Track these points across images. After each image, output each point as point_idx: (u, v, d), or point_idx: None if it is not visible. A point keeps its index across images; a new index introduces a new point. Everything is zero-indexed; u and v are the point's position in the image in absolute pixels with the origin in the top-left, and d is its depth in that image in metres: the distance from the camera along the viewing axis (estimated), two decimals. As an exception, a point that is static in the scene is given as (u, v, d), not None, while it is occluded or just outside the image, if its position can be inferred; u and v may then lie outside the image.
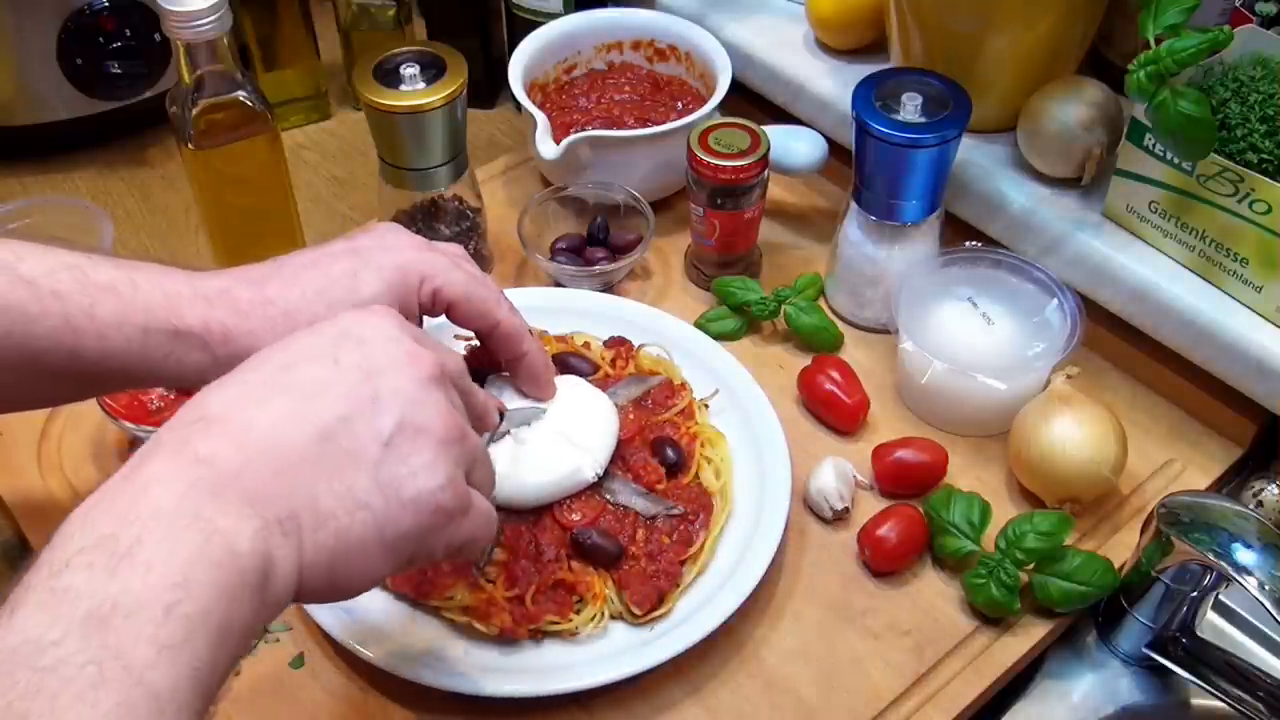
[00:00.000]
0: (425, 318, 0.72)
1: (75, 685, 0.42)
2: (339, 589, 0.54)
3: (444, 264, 0.71)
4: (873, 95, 0.87)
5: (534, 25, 1.08)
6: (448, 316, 0.72)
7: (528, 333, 0.75)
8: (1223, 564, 0.66)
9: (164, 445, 0.50)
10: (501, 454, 0.77)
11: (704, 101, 1.04)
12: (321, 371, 0.54)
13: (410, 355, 0.56)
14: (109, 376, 0.66)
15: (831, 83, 1.03)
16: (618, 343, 0.89)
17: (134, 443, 0.86)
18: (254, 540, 0.48)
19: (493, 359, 0.77)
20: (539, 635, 0.74)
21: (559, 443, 0.77)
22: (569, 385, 0.82)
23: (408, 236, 0.72)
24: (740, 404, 0.86)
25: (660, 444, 0.81)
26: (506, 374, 0.78)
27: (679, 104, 1.07)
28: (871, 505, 0.82)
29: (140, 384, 0.69)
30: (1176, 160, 0.83)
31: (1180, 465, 0.87)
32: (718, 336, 0.93)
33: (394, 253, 0.70)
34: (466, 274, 0.71)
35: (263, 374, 0.54)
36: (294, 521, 0.50)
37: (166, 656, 0.44)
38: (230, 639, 0.47)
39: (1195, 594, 0.73)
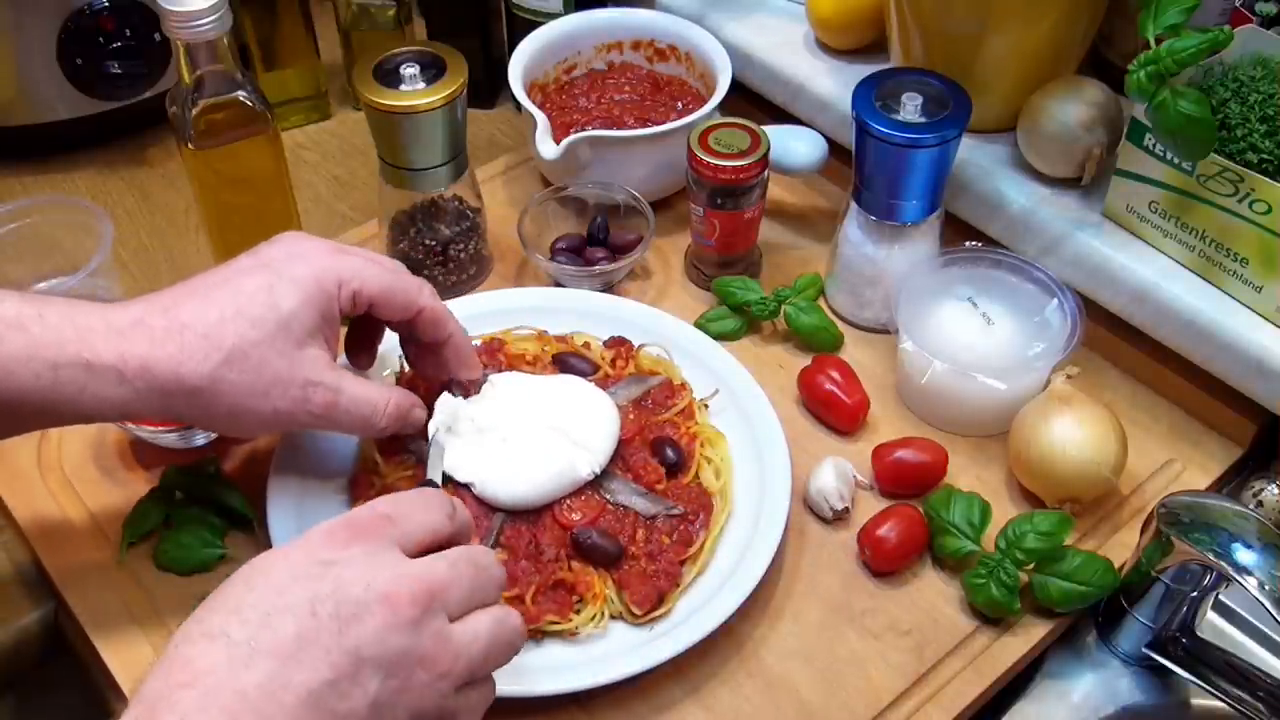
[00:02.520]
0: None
1: None
2: None
3: (358, 264, 0.70)
4: (873, 95, 0.87)
5: (534, 25, 1.08)
6: (370, 313, 0.72)
7: (450, 315, 0.75)
8: (1223, 564, 0.66)
9: (158, 715, 0.50)
10: (499, 453, 0.77)
11: (704, 101, 1.04)
12: (301, 625, 0.52)
13: (389, 598, 0.54)
14: (22, 414, 0.65)
15: (831, 83, 1.03)
16: (618, 343, 0.89)
17: (134, 443, 0.86)
18: None
19: (419, 347, 0.77)
20: (539, 635, 0.74)
21: (557, 440, 0.77)
22: (569, 385, 0.83)
23: (315, 242, 0.71)
24: (740, 404, 0.86)
25: (660, 444, 0.81)
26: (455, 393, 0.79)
27: (679, 104, 1.07)
28: (871, 505, 0.82)
29: (61, 421, 0.67)
30: (1176, 160, 0.83)
31: (1180, 465, 0.87)
32: (718, 336, 0.93)
33: (306, 261, 0.69)
34: (382, 269, 0.71)
35: (244, 630, 0.52)
36: None
37: None
38: None
39: (1195, 594, 0.73)
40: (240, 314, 0.66)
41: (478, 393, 0.80)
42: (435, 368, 0.78)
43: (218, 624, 0.53)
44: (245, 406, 0.67)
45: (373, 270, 0.71)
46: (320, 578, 0.54)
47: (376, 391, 0.72)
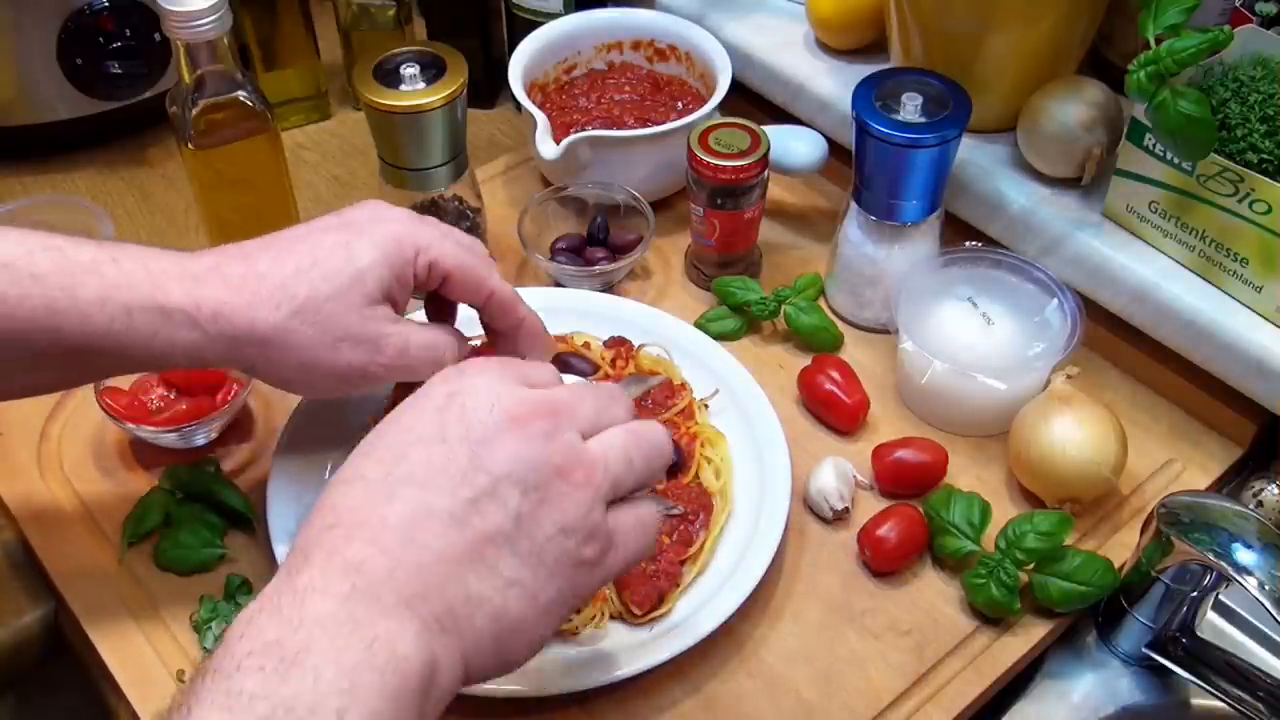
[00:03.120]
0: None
1: None
2: (507, 665, 0.55)
3: (436, 235, 0.71)
4: (873, 95, 0.87)
5: (534, 25, 1.08)
6: (441, 290, 0.72)
7: (520, 299, 0.74)
8: (1223, 564, 0.66)
9: (311, 555, 0.51)
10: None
11: (704, 101, 1.04)
12: (433, 454, 0.53)
13: (515, 417, 0.54)
14: (97, 359, 0.65)
15: (831, 83, 1.03)
16: (618, 343, 0.89)
17: (134, 443, 0.86)
18: (415, 643, 0.49)
19: (491, 334, 0.76)
20: (539, 635, 0.74)
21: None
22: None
23: (397, 209, 0.72)
24: (740, 404, 0.86)
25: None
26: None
27: (679, 104, 1.07)
28: (871, 505, 0.82)
29: (133, 366, 0.69)
30: (1176, 160, 0.83)
31: (1180, 465, 0.87)
32: (718, 336, 0.93)
33: (386, 224, 0.70)
34: (458, 245, 0.71)
35: (380, 468, 0.54)
36: (450, 615, 0.51)
37: None
38: None
39: (1195, 594, 0.73)
40: (316, 266, 0.67)
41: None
42: (511, 353, 0.77)
43: (353, 470, 0.55)
44: (315, 359, 0.67)
45: (450, 244, 0.71)
46: (445, 409, 0.55)
47: (441, 335, 0.72)
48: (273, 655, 0.47)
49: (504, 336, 0.75)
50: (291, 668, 0.46)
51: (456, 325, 0.76)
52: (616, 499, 0.57)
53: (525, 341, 0.75)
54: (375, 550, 0.51)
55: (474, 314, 0.80)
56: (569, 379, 0.82)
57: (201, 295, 0.65)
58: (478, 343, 0.85)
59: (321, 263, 0.67)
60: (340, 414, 0.84)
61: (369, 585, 0.50)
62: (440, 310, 0.77)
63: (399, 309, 0.70)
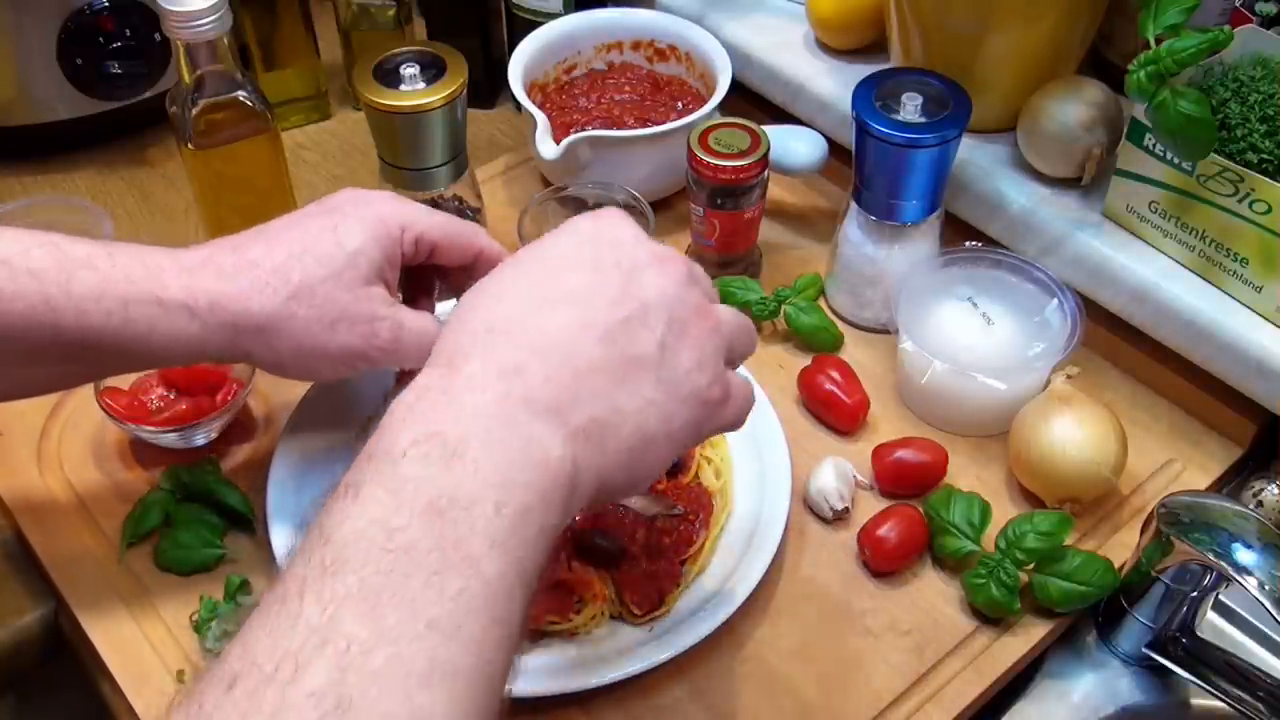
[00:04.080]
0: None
1: (423, 570, 0.45)
2: (634, 483, 0.57)
3: (420, 210, 0.72)
4: (873, 95, 0.87)
5: (534, 25, 1.08)
6: (432, 258, 0.73)
7: (507, 253, 0.76)
8: (1223, 564, 0.66)
9: (470, 353, 0.53)
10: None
11: (704, 101, 1.04)
12: (588, 277, 0.56)
13: (659, 255, 0.58)
14: (96, 355, 0.66)
15: (831, 83, 1.03)
16: (618, 343, 0.89)
17: (134, 443, 0.86)
18: (564, 448, 0.51)
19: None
20: (539, 635, 0.74)
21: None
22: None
23: (379, 191, 0.73)
24: (740, 404, 0.86)
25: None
26: None
27: (679, 104, 1.07)
28: (871, 505, 0.82)
29: (133, 362, 0.69)
30: (1176, 160, 0.83)
31: (1180, 465, 0.87)
32: (718, 336, 0.92)
33: (370, 205, 0.71)
34: (441, 214, 0.73)
35: (536, 288, 0.56)
36: (596, 425, 0.53)
37: (497, 551, 0.47)
38: (544, 538, 0.50)
39: (1195, 594, 0.73)
40: (307, 251, 0.68)
41: None
42: None
43: (504, 286, 0.57)
44: (312, 342, 0.68)
45: (436, 217, 0.72)
46: (595, 240, 0.58)
47: (432, 323, 0.73)
48: (435, 444, 0.48)
49: None
50: (453, 458, 0.48)
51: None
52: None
53: None
54: (533, 356, 0.53)
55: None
56: None
57: (197, 286, 0.66)
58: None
59: (312, 247, 0.68)
60: (340, 413, 0.84)
61: (525, 389, 0.52)
62: (418, 289, 0.78)
63: (391, 289, 0.71)
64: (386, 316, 0.69)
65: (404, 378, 0.83)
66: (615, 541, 0.75)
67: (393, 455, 0.48)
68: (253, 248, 0.68)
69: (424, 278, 0.77)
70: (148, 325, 0.65)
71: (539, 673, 0.72)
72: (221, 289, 0.66)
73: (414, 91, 0.87)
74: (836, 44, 1.06)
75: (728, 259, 0.98)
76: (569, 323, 0.54)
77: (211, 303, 0.66)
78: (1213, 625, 0.81)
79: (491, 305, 0.56)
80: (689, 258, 0.64)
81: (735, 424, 0.61)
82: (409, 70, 0.88)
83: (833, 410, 0.88)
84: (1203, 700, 0.77)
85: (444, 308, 0.80)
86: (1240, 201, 0.80)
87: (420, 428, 0.49)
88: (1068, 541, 0.77)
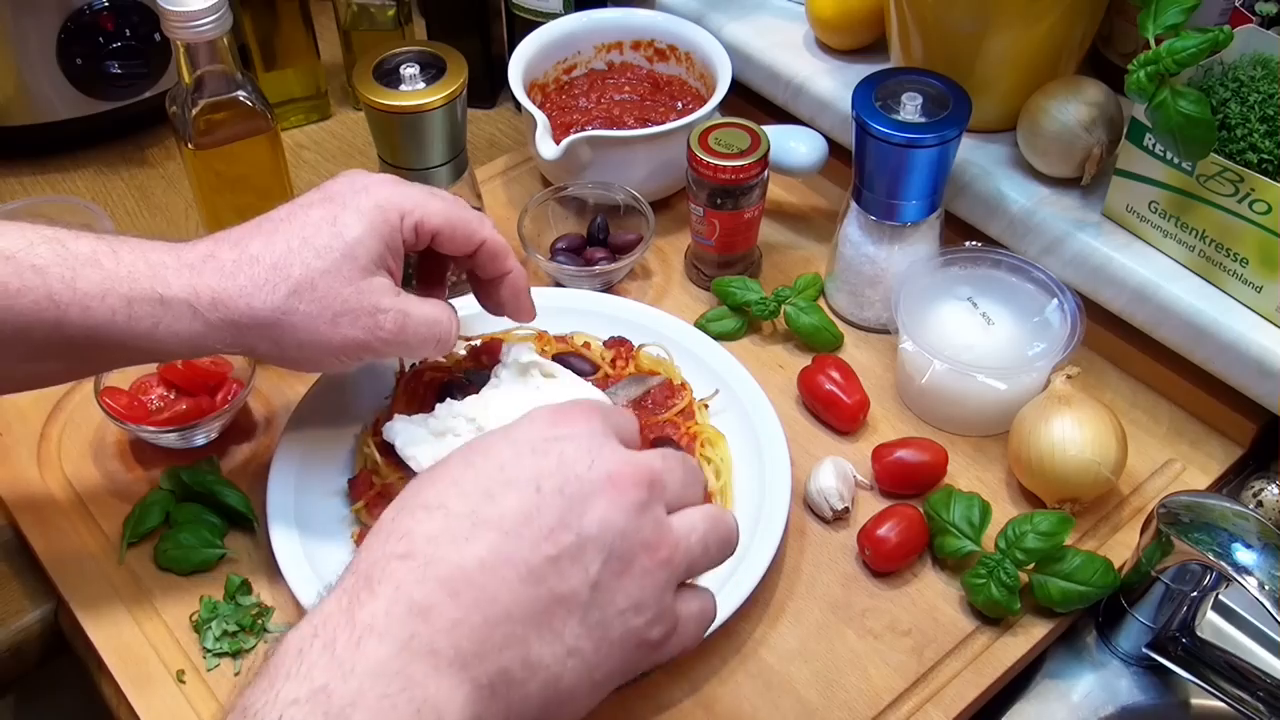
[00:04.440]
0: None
1: None
2: None
3: (420, 196, 0.71)
4: (873, 95, 0.87)
5: (534, 25, 1.08)
6: (433, 246, 0.72)
7: (511, 251, 0.76)
8: (1223, 564, 0.66)
9: (376, 585, 0.49)
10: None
11: (704, 101, 1.04)
12: (525, 501, 0.51)
13: (614, 478, 0.53)
14: (100, 350, 0.66)
15: (831, 83, 1.03)
16: (618, 343, 0.89)
17: (134, 443, 0.86)
18: (462, 710, 0.48)
19: (477, 286, 0.78)
20: (539, 635, 0.74)
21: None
22: (569, 384, 0.82)
23: (378, 176, 0.72)
24: (740, 404, 0.86)
25: (660, 444, 0.81)
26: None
27: (679, 104, 1.07)
28: (871, 505, 0.82)
29: (139, 357, 0.69)
30: (1176, 160, 0.83)
31: (1180, 465, 0.87)
32: (718, 336, 0.93)
33: (369, 192, 0.70)
34: (444, 201, 0.72)
35: (465, 502, 0.52)
36: (504, 678, 0.49)
37: None
38: None
39: (1195, 594, 0.73)
40: (306, 244, 0.67)
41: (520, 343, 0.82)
42: (493, 309, 0.79)
43: (435, 496, 0.52)
44: (316, 336, 0.68)
45: (435, 203, 0.72)
46: (545, 454, 0.53)
47: (441, 310, 0.73)
48: (318, 707, 0.45)
49: (489, 293, 0.77)
50: None
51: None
52: (682, 583, 0.56)
53: (508, 293, 0.77)
54: (444, 595, 0.49)
55: (477, 313, 0.81)
56: (569, 378, 0.82)
57: (199, 284, 0.66)
58: (477, 342, 0.86)
59: (311, 240, 0.68)
60: (340, 413, 0.84)
61: (430, 635, 0.48)
62: (431, 273, 0.78)
63: (395, 278, 0.71)
64: (390, 308, 0.69)
65: (402, 375, 0.84)
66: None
67: (269, 714, 0.45)
68: (253, 242, 0.68)
69: (436, 262, 0.77)
70: (151, 322, 0.65)
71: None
72: (223, 286, 0.66)
73: (414, 91, 0.87)
74: (836, 44, 1.06)
75: (728, 259, 0.98)
76: (492, 557, 0.50)
77: (214, 300, 0.66)
78: (1213, 625, 0.81)
79: (413, 522, 0.51)
80: (670, 452, 0.58)
81: (684, 653, 0.57)
82: (409, 70, 0.88)
83: (833, 410, 0.88)
84: (1203, 700, 0.77)
85: (460, 303, 0.80)
86: (1240, 201, 0.80)
87: (305, 684, 0.46)
88: (1068, 541, 0.77)
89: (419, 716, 0.46)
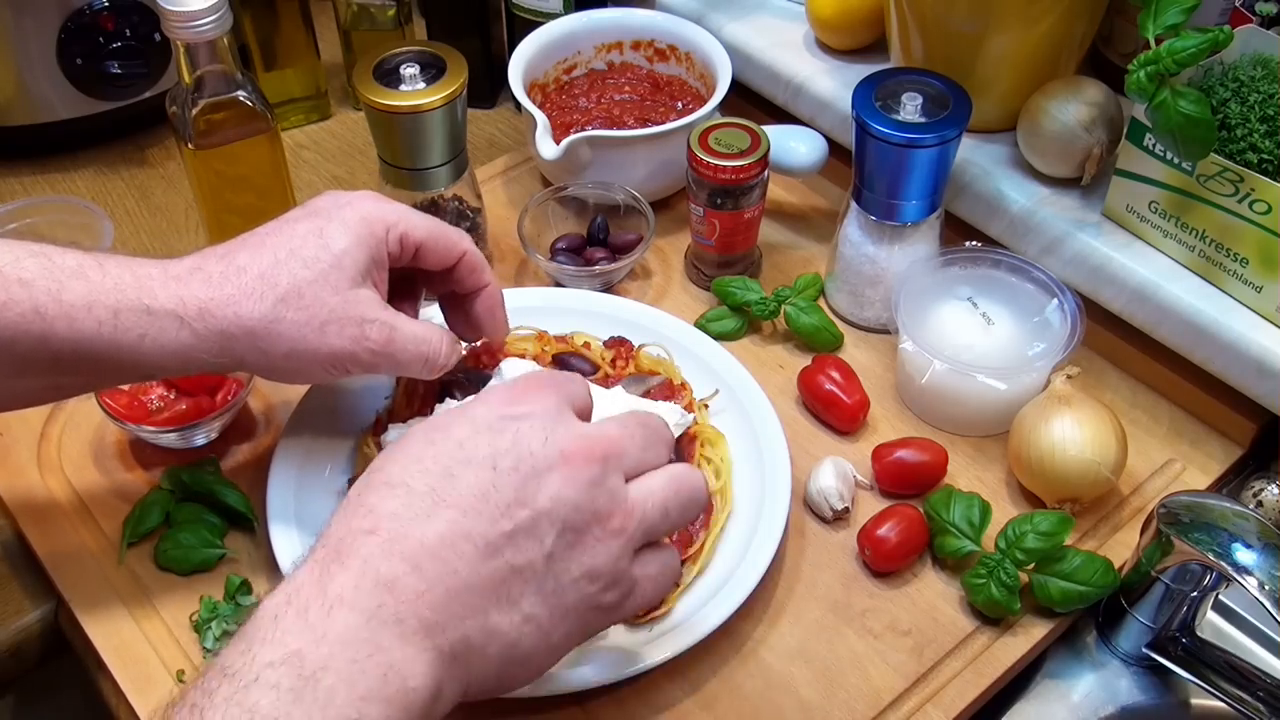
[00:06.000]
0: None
1: None
2: (504, 690, 0.57)
3: (404, 210, 0.73)
4: (873, 95, 0.87)
5: (534, 25, 1.08)
6: (415, 260, 0.73)
7: (488, 266, 0.77)
8: (1223, 564, 0.66)
9: (345, 558, 0.52)
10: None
11: (704, 101, 1.04)
12: (482, 479, 0.54)
13: (568, 455, 0.56)
14: (86, 365, 0.66)
15: (831, 83, 1.03)
16: (618, 343, 0.89)
17: (134, 443, 0.86)
18: (426, 674, 0.51)
19: (453, 303, 0.79)
20: (539, 635, 0.74)
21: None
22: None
23: (360, 192, 0.73)
24: (740, 404, 0.86)
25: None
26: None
27: (679, 104, 1.07)
28: (871, 505, 0.82)
29: (125, 372, 0.69)
30: (1176, 160, 0.83)
31: (1180, 465, 0.87)
32: (718, 336, 0.93)
33: (353, 206, 0.71)
34: (425, 215, 0.74)
35: (425, 479, 0.54)
36: (464, 644, 0.53)
37: None
38: None
39: (1195, 594, 0.73)
40: (293, 255, 0.68)
41: (493, 363, 0.82)
42: (467, 326, 0.79)
43: (397, 473, 0.55)
44: (303, 346, 0.68)
45: (418, 217, 0.73)
46: (501, 432, 0.56)
47: (432, 329, 0.73)
48: (292, 669, 0.48)
49: (465, 300, 0.78)
50: (307, 686, 0.48)
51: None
52: (645, 545, 0.59)
53: (484, 311, 0.78)
54: (408, 569, 0.52)
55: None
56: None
57: (186, 294, 0.66)
58: (478, 343, 0.86)
59: (298, 251, 0.68)
60: (341, 413, 0.84)
61: (396, 606, 0.51)
62: (404, 295, 0.77)
63: (381, 292, 0.71)
64: (376, 318, 0.70)
65: (400, 385, 0.83)
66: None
67: (245, 678, 0.48)
68: (239, 254, 0.68)
69: (407, 283, 0.78)
70: (138, 334, 0.65)
71: (539, 673, 0.72)
72: (210, 295, 0.66)
73: (414, 91, 0.87)
74: (836, 44, 1.06)
75: (728, 259, 0.98)
76: (451, 532, 0.53)
77: (201, 309, 0.66)
78: (1213, 625, 0.81)
79: (376, 499, 0.54)
80: (629, 416, 0.60)
81: (646, 609, 0.60)
82: (409, 70, 0.88)
83: (833, 410, 0.88)
84: (1203, 700, 0.77)
85: (428, 311, 0.81)
86: (1240, 201, 0.80)
87: (280, 648, 0.49)
88: (1068, 541, 0.77)
89: (385, 680, 0.50)
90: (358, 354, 0.69)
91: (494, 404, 0.58)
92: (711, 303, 0.97)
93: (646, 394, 0.85)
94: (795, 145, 0.99)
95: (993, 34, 0.90)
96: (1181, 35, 0.76)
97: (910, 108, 0.86)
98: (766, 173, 0.94)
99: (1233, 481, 0.87)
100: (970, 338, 0.87)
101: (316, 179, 1.13)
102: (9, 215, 0.94)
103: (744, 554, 0.77)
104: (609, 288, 0.98)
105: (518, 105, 1.02)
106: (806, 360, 0.91)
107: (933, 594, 0.78)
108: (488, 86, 1.19)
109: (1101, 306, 0.89)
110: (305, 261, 0.68)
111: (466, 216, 0.96)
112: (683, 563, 0.77)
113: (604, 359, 0.88)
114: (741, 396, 0.86)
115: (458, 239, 0.74)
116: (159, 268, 0.67)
